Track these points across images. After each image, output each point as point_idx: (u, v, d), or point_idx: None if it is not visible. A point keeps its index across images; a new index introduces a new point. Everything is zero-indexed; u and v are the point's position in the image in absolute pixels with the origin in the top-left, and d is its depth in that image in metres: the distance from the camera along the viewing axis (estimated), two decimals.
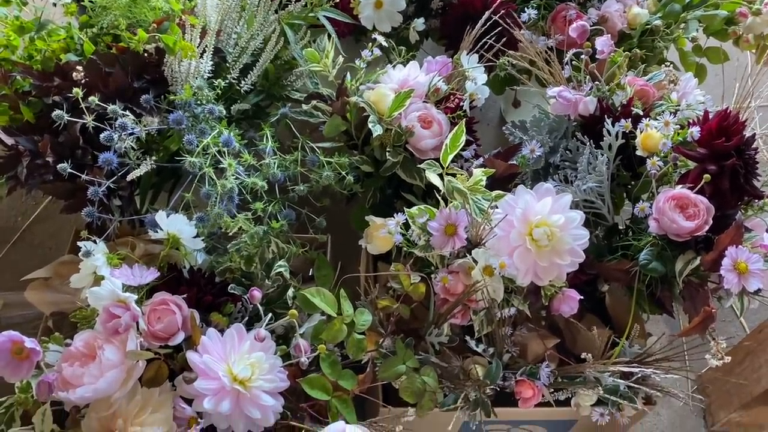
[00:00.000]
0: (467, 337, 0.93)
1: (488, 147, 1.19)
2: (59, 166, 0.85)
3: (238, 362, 0.79)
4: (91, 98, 0.86)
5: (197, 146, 0.88)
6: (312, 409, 0.84)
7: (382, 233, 0.96)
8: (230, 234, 0.95)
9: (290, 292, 0.93)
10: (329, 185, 1.00)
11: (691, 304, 0.93)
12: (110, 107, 0.86)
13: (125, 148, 0.87)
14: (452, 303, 0.91)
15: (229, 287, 0.91)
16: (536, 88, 1.15)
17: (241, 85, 1.08)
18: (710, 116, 0.96)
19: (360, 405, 0.87)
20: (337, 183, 1.01)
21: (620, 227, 1.04)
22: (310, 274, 1.03)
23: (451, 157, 0.92)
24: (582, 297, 0.92)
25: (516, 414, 0.98)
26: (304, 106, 1.08)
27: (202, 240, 0.92)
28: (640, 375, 0.91)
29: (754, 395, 1.16)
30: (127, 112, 0.88)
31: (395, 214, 0.92)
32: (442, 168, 0.92)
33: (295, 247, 0.98)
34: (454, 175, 0.92)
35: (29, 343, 0.76)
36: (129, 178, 0.88)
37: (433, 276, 0.91)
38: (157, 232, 0.90)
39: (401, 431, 0.82)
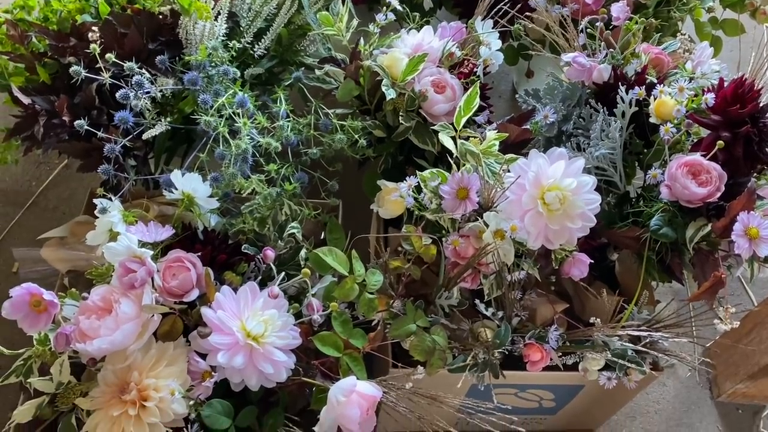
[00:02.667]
0: (477, 301, 0.94)
1: (501, 119, 1.19)
2: (76, 122, 0.85)
3: (251, 319, 0.80)
4: (108, 55, 0.86)
5: (212, 106, 0.88)
6: (323, 366, 0.85)
7: (393, 197, 0.96)
8: (244, 196, 0.96)
9: (302, 253, 0.94)
10: (342, 149, 1.00)
11: (700, 271, 0.93)
12: (127, 64, 0.87)
13: (141, 107, 0.88)
14: (462, 266, 0.91)
15: (242, 247, 0.92)
16: (550, 55, 1.14)
17: (255, 50, 1.08)
18: (725, 84, 0.96)
19: (370, 366, 0.89)
20: (349, 147, 1.01)
21: (632, 196, 1.04)
22: (321, 237, 1.04)
23: (464, 119, 0.92)
24: (591, 264, 0.92)
25: (523, 378, 0.99)
26: (318, 72, 1.09)
27: (216, 201, 0.93)
28: (648, 340, 0.92)
29: (761, 366, 1.17)
30: (143, 70, 0.88)
31: (407, 178, 0.93)
32: (455, 131, 0.92)
33: (308, 210, 0.99)
34: (467, 138, 0.92)
35: (47, 295, 0.77)
36: (144, 137, 0.88)
37: (443, 240, 0.92)
38: (172, 192, 0.91)
39: (410, 389, 0.83)
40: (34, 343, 0.83)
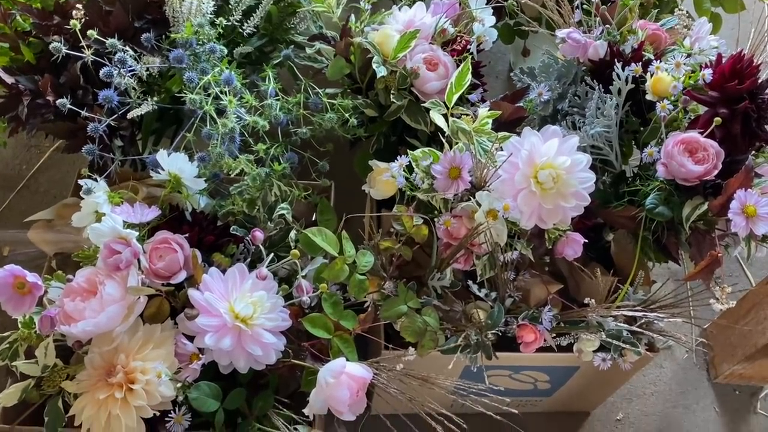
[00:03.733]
0: (470, 282, 0.92)
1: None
2: (59, 101, 0.84)
3: (239, 300, 0.79)
4: (90, 32, 0.84)
5: (198, 84, 0.87)
6: (314, 348, 0.84)
7: (385, 177, 0.95)
8: (233, 177, 0.95)
9: (292, 234, 0.92)
10: (332, 129, 0.99)
11: (697, 251, 0.92)
12: (109, 41, 0.85)
13: (125, 85, 0.86)
14: (455, 247, 0.90)
15: (231, 228, 0.91)
16: (545, 31, 1.12)
17: (244, 28, 1.06)
18: (723, 60, 0.94)
19: (361, 349, 0.87)
20: (340, 127, 1.00)
21: (627, 175, 1.03)
22: (313, 219, 1.02)
23: (456, 96, 0.90)
24: (586, 245, 0.91)
25: (517, 359, 0.98)
26: (308, 50, 1.07)
27: (204, 181, 0.91)
28: (644, 320, 0.91)
29: (759, 347, 1.16)
30: (127, 47, 0.86)
31: (399, 158, 0.91)
32: (447, 108, 0.91)
33: (298, 191, 0.97)
34: (459, 117, 0.90)
35: (31, 277, 0.76)
36: (130, 116, 0.87)
37: (436, 220, 0.91)
38: (159, 172, 0.90)
39: (402, 370, 0.82)
40: (19, 326, 0.82)
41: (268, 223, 0.94)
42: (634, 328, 0.90)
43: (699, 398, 1.30)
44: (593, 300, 0.91)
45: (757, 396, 1.31)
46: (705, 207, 0.89)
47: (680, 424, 1.27)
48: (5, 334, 0.83)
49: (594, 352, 0.93)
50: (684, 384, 1.32)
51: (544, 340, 0.91)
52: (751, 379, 1.28)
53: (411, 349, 0.85)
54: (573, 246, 0.89)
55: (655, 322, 0.92)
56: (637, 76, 0.97)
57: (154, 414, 0.76)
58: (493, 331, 0.90)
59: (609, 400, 1.27)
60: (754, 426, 1.28)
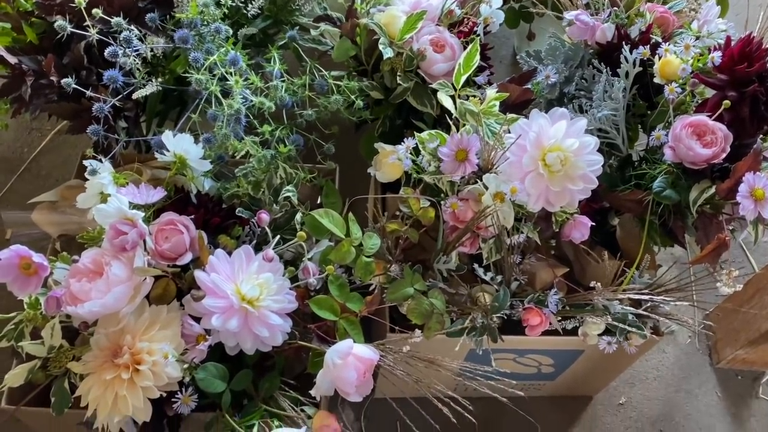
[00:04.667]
0: (475, 266, 0.92)
1: None
2: (63, 81, 0.83)
3: (246, 282, 0.79)
4: (94, 11, 0.83)
5: (203, 65, 0.86)
6: (320, 330, 0.84)
7: (391, 160, 0.94)
8: (237, 159, 0.94)
9: (298, 216, 0.92)
10: (338, 111, 0.98)
11: (703, 235, 0.91)
12: (114, 20, 0.84)
13: (130, 65, 0.85)
14: (461, 230, 0.90)
15: (236, 210, 0.90)
16: (552, 13, 1.11)
17: (248, 10, 1.04)
18: (732, 43, 0.93)
19: (367, 332, 0.87)
20: (345, 109, 0.99)
21: (634, 159, 1.02)
22: (318, 203, 1.02)
23: (464, 77, 0.89)
24: (592, 229, 0.91)
25: (522, 342, 0.98)
26: (313, 32, 1.06)
27: (210, 163, 0.91)
28: (649, 304, 0.91)
29: (762, 331, 1.16)
30: (132, 27, 0.85)
31: (405, 140, 0.90)
32: (455, 89, 0.90)
33: (303, 173, 0.97)
34: (467, 98, 0.89)
35: (36, 258, 0.76)
36: (134, 96, 0.86)
37: (442, 203, 0.90)
38: (164, 154, 0.89)
39: (408, 352, 0.82)
40: (25, 307, 0.82)
41: (274, 205, 0.94)
42: (640, 311, 0.90)
43: (701, 383, 1.31)
44: (599, 283, 0.91)
45: (759, 381, 1.31)
46: (712, 191, 0.88)
47: (682, 409, 1.28)
48: (11, 314, 0.82)
49: (599, 335, 0.94)
50: (686, 369, 1.32)
51: (550, 324, 0.92)
52: (753, 364, 1.29)
53: (417, 332, 0.85)
54: (580, 229, 0.89)
55: (661, 305, 0.92)
56: (645, 59, 0.97)
57: (161, 395, 0.76)
58: (499, 315, 0.90)
59: (612, 384, 1.27)
60: (755, 410, 1.28)
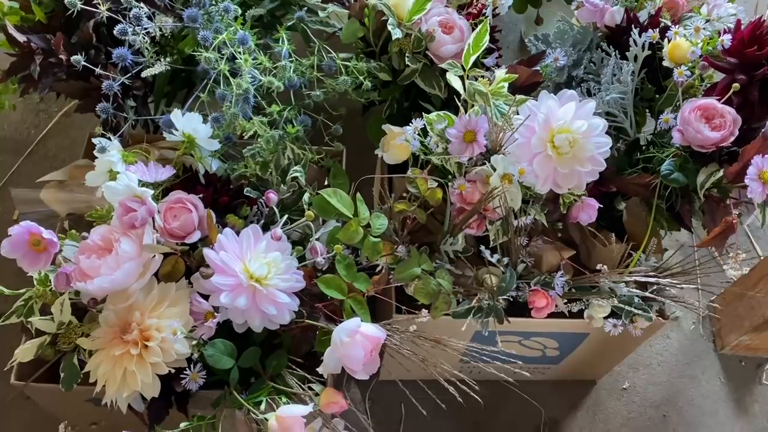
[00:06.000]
0: (482, 247, 0.92)
1: None
2: (74, 58, 0.83)
3: (254, 260, 0.79)
4: None
5: (212, 44, 0.86)
6: (327, 309, 0.84)
7: (399, 141, 0.94)
8: (245, 139, 0.94)
9: (306, 197, 0.92)
10: (346, 92, 0.98)
11: (710, 218, 0.92)
12: None
13: (139, 43, 0.85)
14: (469, 212, 0.90)
15: (244, 190, 0.91)
16: None
17: None
18: (742, 26, 0.93)
19: (373, 313, 0.88)
20: (353, 90, 0.99)
21: (642, 144, 1.02)
22: (325, 184, 1.02)
23: (473, 58, 0.89)
24: (600, 209, 0.91)
25: (528, 324, 0.98)
26: (321, 14, 1.05)
27: (218, 143, 0.91)
28: (655, 287, 0.91)
29: (766, 317, 1.16)
30: (141, 4, 0.85)
31: (413, 121, 0.90)
32: (464, 70, 0.90)
33: (311, 154, 0.97)
34: (475, 79, 0.89)
35: (46, 234, 0.76)
36: (144, 74, 0.86)
37: (449, 185, 0.90)
38: (172, 133, 0.89)
39: (414, 332, 0.82)
40: (35, 283, 0.82)
41: (282, 186, 0.94)
42: (646, 293, 0.90)
43: (705, 369, 1.31)
44: (605, 266, 0.91)
45: (762, 367, 1.32)
46: (720, 174, 0.88)
47: (685, 394, 1.28)
48: (20, 291, 0.83)
49: (604, 318, 0.94)
50: (690, 355, 1.32)
51: (556, 306, 0.92)
52: (757, 351, 1.29)
53: (424, 311, 0.85)
54: (588, 211, 0.89)
55: (667, 288, 0.92)
56: (654, 42, 0.96)
57: (170, 371, 0.76)
58: (505, 297, 0.90)
59: (615, 369, 1.28)
60: (758, 396, 1.29)
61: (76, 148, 1.43)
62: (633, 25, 0.98)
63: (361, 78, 0.97)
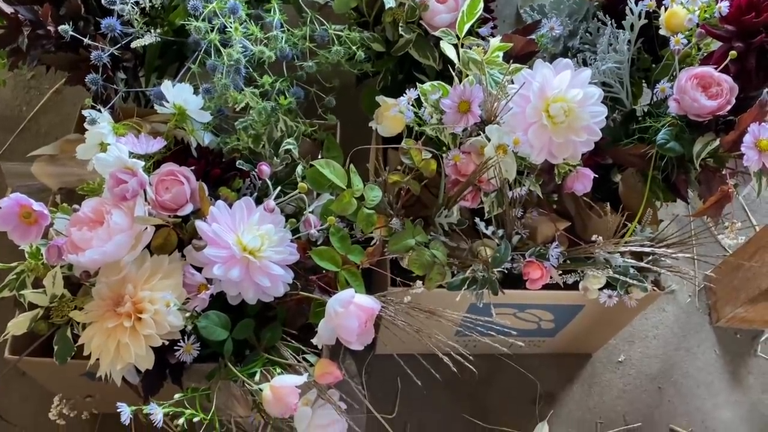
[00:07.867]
0: (477, 219, 0.92)
1: None
2: (61, 27, 0.82)
3: (247, 233, 0.78)
4: None
5: (202, 13, 0.84)
6: (321, 281, 0.84)
7: (393, 113, 0.93)
8: (237, 111, 0.93)
9: (299, 169, 0.92)
10: (339, 63, 0.97)
11: (706, 188, 0.91)
12: None
13: (128, 13, 0.84)
14: (463, 183, 0.89)
15: (237, 163, 0.90)
16: None
17: None
18: None
19: (368, 287, 0.87)
20: (347, 61, 0.98)
21: (638, 115, 1.01)
22: (318, 157, 1.01)
23: (467, 26, 0.88)
24: (595, 179, 0.90)
25: (523, 297, 0.98)
26: None
27: (210, 115, 0.90)
28: (651, 257, 0.91)
29: (762, 289, 1.17)
30: None
31: (407, 91, 0.89)
32: (458, 38, 0.89)
33: (304, 126, 0.96)
34: (470, 47, 0.88)
35: (37, 206, 0.75)
36: (133, 45, 0.85)
37: (444, 156, 0.90)
38: (163, 105, 0.88)
39: (409, 303, 0.82)
40: (26, 256, 0.82)
41: (274, 158, 0.93)
42: (642, 264, 0.89)
43: (700, 341, 1.31)
44: (601, 237, 0.91)
45: (757, 339, 1.32)
46: (716, 143, 0.88)
47: (681, 367, 1.29)
48: (12, 264, 0.82)
49: (600, 289, 0.94)
50: (685, 327, 1.33)
51: (551, 277, 0.92)
52: (752, 323, 1.29)
53: (418, 283, 0.85)
54: (583, 181, 0.89)
55: (662, 259, 0.92)
56: (651, 11, 0.95)
57: (163, 343, 0.76)
58: (500, 269, 0.90)
59: (611, 342, 1.28)
60: (753, 368, 1.29)
61: (68, 124, 1.41)
62: None
63: (354, 48, 0.95)
